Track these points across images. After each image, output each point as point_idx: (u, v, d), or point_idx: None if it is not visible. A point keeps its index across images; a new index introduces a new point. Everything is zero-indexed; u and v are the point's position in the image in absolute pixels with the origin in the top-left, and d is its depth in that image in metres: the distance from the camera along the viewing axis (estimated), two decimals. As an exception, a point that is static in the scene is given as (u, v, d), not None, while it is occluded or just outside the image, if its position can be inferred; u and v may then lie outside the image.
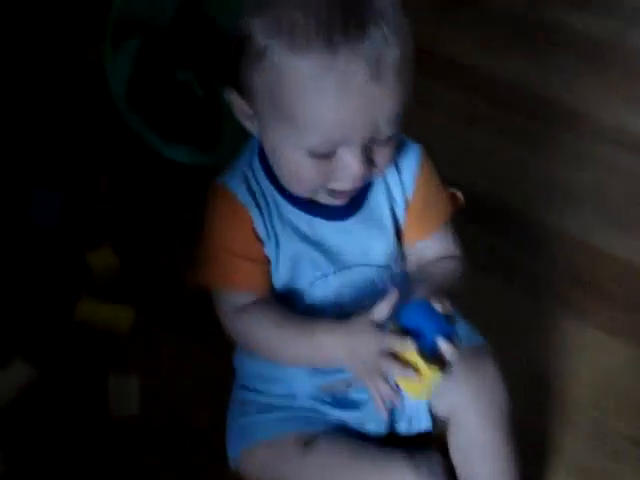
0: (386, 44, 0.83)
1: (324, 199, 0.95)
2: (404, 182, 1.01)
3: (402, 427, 1.05)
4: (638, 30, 1.94)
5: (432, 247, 1.04)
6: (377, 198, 1.00)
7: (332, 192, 0.93)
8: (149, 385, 1.24)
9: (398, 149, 0.98)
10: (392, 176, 1.00)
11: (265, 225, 0.96)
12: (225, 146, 1.54)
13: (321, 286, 1.00)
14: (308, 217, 0.98)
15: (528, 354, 1.29)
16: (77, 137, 1.61)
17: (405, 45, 0.86)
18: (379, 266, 1.01)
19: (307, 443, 1.01)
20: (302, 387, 1.04)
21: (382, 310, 0.90)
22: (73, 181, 1.53)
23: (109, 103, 1.51)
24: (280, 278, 0.99)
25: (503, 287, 1.40)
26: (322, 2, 0.83)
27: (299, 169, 0.90)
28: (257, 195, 0.97)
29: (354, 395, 1.05)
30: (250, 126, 0.95)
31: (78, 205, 1.49)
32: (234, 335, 1.01)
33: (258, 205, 0.96)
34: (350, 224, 0.99)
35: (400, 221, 1.02)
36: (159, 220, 1.49)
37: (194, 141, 1.56)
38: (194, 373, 1.27)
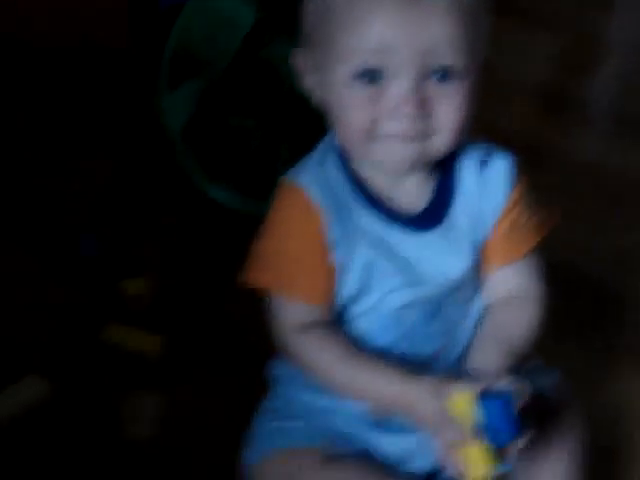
0: None
1: (383, 154, 0.85)
2: (492, 196, 0.91)
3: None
4: None
5: (512, 279, 0.93)
6: (459, 211, 0.90)
7: (387, 139, 0.83)
8: (171, 412, 1.19)
9: (486, 156, 0.90)
10: (479, 187, 0.90)
11: (337, 227, 0.86)
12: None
13: (391, 300, 0.89)
14: (385, 223, 0.88)
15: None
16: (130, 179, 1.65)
17: None
18: (454, 287, 0.91)
19: (331, 460, 0.89)
20: (347, 404, 0.92)
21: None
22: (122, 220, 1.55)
23: (165, 147, 1.52)
24: (348, 288, 0.88)
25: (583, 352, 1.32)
26: None
27: (347, 100, 0.83)
28: (330, 194, 0.87)
29: (405, 422, 0.90)
30: (314, 91, 0.88)
31: (121, 239, 1.49)
32: (290, 354, 0.90)
33: (331, 205, 0.87)
34: (429, 238, 0.89)
35: (483, 240, 0.92)
36: (200, 258, 1.48)
37: (246, 188, 1.53)
38: (218, 405, 1.20)
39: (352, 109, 0.83)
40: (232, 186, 1.53)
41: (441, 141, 0.85)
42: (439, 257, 0.90)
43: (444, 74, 0.81)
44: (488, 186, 0.91)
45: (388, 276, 0.88)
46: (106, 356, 1.27)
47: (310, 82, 0.89)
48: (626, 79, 2.11)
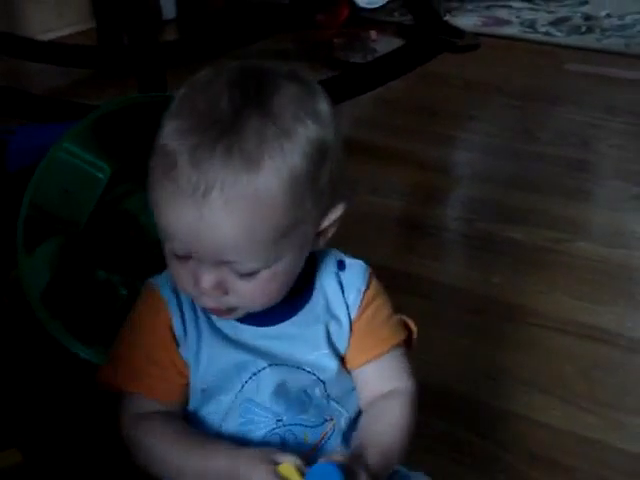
0: (231, 172, 0.80)
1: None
2: (348, 302, 0.95)
3: None
4: (577, 237, 1.98)
5: (379, 372, 0.97)
6: (315, 312, 0.94)
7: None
8: None
9: (341, 267, 0.95)
10: (335, 295, 0.95)
11: (184, 324, 0.91)
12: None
13: (254, 386, 0.91)
14: (232, 322, 0.92)
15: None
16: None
17: (260, 182, 0.81)
18: (315, 376, 0.93)
19: None
20: None
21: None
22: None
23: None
24: (203, 382, 0.92)
25: (456, 469, 1.32)
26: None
27: (174, 271, 0.89)
28: (181, 295, 0.92)
29: None
30: None
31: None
32: (127, 443, 0.92)
33: (179, 303, 0.92)
34: (278, 330, 0.92)
35: (339, 344, 0.95)
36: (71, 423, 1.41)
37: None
38: None
39: (174, 275, 0.89)
40: (101, 343, 1.48)
41: (252, 308, 0.90)
42: (291, 348, 0.92)
43: (240, 274, 0.85)
44: (344, 290, 0.95)
45: (243, 367, 0.91)
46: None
47: None
48: (472, 205, 2.21)
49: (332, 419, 0.93)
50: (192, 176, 0.79)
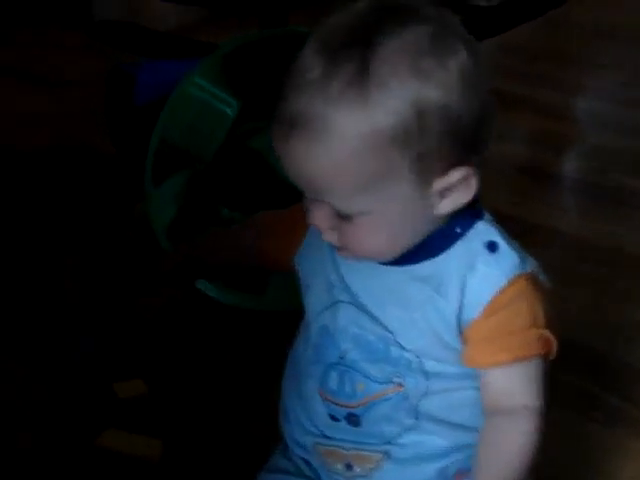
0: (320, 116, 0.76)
1: None
2: (474, 290, 0.83)
3: None
4: None
5: (502, 383, 0.85)
6: (425, 273, 0.84)
7: None
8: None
9: (492, 249, 0.84)
10: (456, 273, 0.83)
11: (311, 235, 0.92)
12: (273, 290, 1.46)
13: (331, 313, 0.88)
14: None
15: None
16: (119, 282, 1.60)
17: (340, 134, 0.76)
18: (392, 335, 0.85)
19: None
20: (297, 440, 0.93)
21: None
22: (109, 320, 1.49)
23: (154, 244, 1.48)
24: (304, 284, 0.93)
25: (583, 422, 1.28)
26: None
27: None
28: None
29: None
30: None
31: (113, 341, 1.43)
32: None
33: None
34: (383, 271, 0.86)
35: (438, 324, 0.84)
36: (196, 356, 1.42)
37: (240, 282, 1.49)
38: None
39: None
40: (223, 280, 1.49)
41: (362, 255, 0.85)
42: (382, 293, 0.86)
43: (339, 214, 0.82)
44: (479, 270, 0.84)
45: (329, 289, 0.88)
46: (102, 463, 1.20)
47: None
48: (601, 155, 2.14)
49: (401, 385, 0.85)
50: (287, 106, 0.78)
